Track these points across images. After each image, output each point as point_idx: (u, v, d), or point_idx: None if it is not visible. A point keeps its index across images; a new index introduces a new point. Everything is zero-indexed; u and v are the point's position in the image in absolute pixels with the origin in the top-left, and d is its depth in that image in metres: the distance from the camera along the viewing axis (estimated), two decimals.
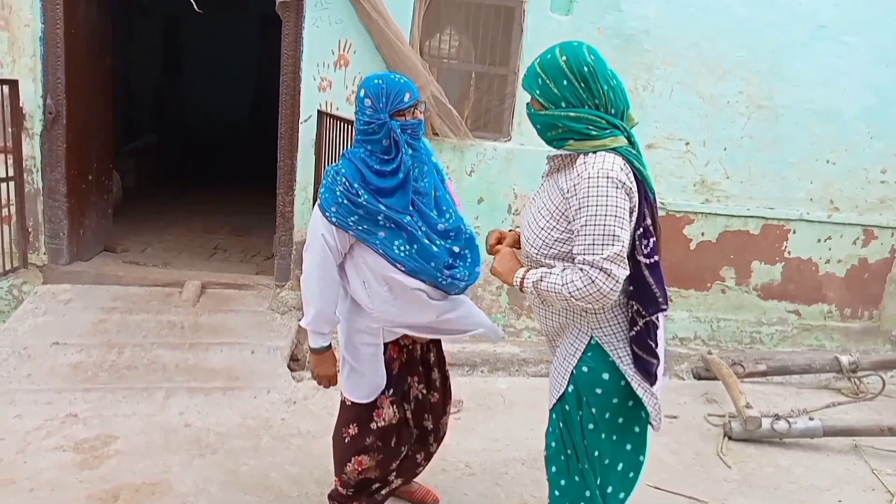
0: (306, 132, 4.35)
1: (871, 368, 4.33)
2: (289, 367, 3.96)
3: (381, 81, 2.21)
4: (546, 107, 1.91)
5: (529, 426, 3.59)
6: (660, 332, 1.97)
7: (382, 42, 4.10)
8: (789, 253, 4.85)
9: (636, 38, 4.39)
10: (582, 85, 1.84)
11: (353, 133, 3.71)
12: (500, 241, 2.18)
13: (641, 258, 1.86)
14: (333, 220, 2.17)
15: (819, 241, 4.84)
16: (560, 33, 4.32)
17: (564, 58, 1.85)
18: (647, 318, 1.89)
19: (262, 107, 9.44)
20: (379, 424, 2.42)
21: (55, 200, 4.42)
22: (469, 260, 2.34)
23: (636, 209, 1.85)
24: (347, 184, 2.17)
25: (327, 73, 4.29)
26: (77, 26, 4.37)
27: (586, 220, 1.79)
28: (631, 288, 1.91)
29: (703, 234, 4.75)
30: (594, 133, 1.85)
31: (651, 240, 1.87)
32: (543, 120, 1.92)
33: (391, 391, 2.41)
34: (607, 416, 1.99)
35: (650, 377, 1.94)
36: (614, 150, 1.85)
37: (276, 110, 4.47)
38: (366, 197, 2.16)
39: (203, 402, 3.53)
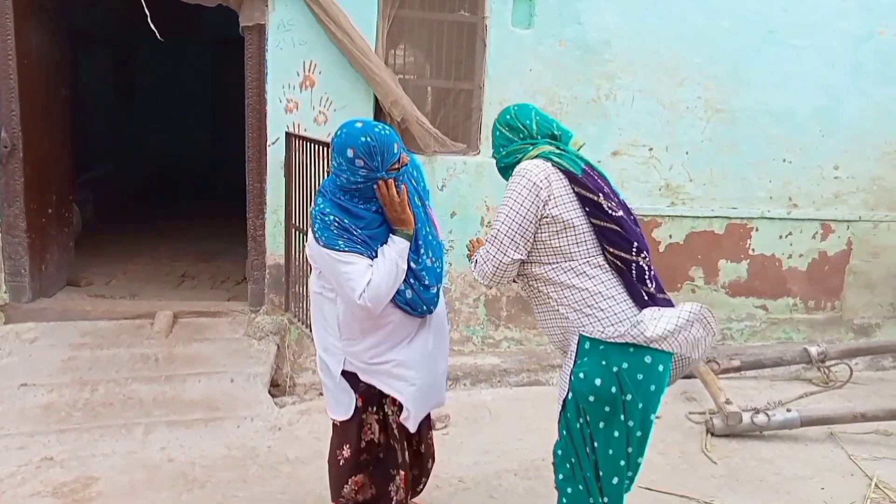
0: (274, 154, 4.31)
1: (838, 357, 4.48)
2: (270, 393, 3.89)
3: (369, 139, 2.15)
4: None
5: (517, 437, 3.61)
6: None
7: (353, 59, 4.10)
8: (753, 250, 4.99)
9: (597, 48, 4.49)
10: (506, 129, 2.28)
11: (324, 154, 3.72)
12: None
13: (606, 223, 2.10)
14: (347, 248, 2.18)
15: (780, 237, 5.01)
16: (522, 47, 4.41)
17: (497, 118, 2.34)
18: (633, 260, 2.10)
19: (221, 129, 9.30)
20: (366, 440, 2.46)
21: (14, 236, 4.27)
22: (437, 299, 2.37)
23: (553, 199, 2.08)
24: (339, 222, 2.20)
25: (293, 95, 4.26)
26: (30, 57, 4.26)
27: (498, 211, 2.18)
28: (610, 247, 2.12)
29: (670, 236, 4.86)
30: (521, 157, 2.17)
31: (606, 207, 2.10)
32: (497, 164, 2.34)
33: (374, 407, 2.44)
34: (601, 425, 2.04)
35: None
36: (538, 156, 2.13)
37: (236, 132, 4.41)
38: (358, 232, 2.21)
39: (185, 435, 3.44)
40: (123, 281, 5.25)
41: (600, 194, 2.08)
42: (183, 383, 3.81)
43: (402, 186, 2.23)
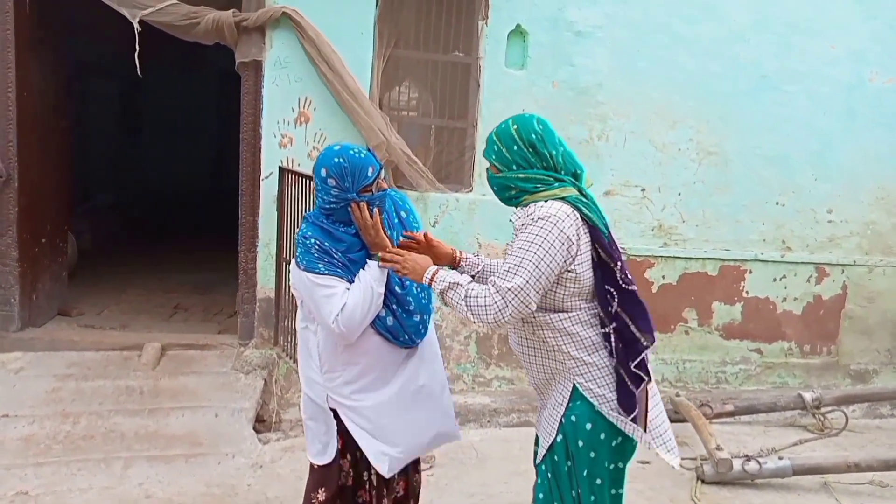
0: (268, 189, 4.34)
1: (833, 404, 4.41)
2: (254, 429, 3.84)
3: (341, 160, 2.19)
4: (501, 170, 2.07)
5: (503, 479, 3.54)
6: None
7: (342, 101, 4.15)
8: (747, 293, 4.96)
9: (589, 90, 4.54)
10: (530, 150, 2.02)
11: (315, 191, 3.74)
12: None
13: (614, 307, 1.99)
14: (327, 271, 2.19)
15: (775, 280, 4.98)
16: (516, 87, 4.46)
17: (515, 127, 2.05)
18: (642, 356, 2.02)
19: (223, 162, 9.41)
20: (339, 484, 2.39)
21: (6, 265, 4.28)
22: (421, 328, 2.35)
23: (580, 255, 1.97)
24: (319, 244, 2.21)
25: (288, 130, 4.31)
26: (30, 89, 4.32)
27: (514, 250, 1.95)
28: (614, 331, 2.02)
29: (663, 276, 4.84)
30: (542, 189, 2.00)
31: (619, 277, 1.99)
32: (499, 181, 2.09)
33: (349, 457, 2.38)
34: (585, 472, 2.01)
35: (632, 404, 2.00)
36: (563, 199, 1.98)
37: (237, 166, 4.46)
38: (339, 256, 2.22)
39: (165, 471, 3.39)
40: (115, 312, 5.24)
41: (618, 263, 1.99)
42: (166, 417, 3.77)
43: (375, 210, 2.23)
